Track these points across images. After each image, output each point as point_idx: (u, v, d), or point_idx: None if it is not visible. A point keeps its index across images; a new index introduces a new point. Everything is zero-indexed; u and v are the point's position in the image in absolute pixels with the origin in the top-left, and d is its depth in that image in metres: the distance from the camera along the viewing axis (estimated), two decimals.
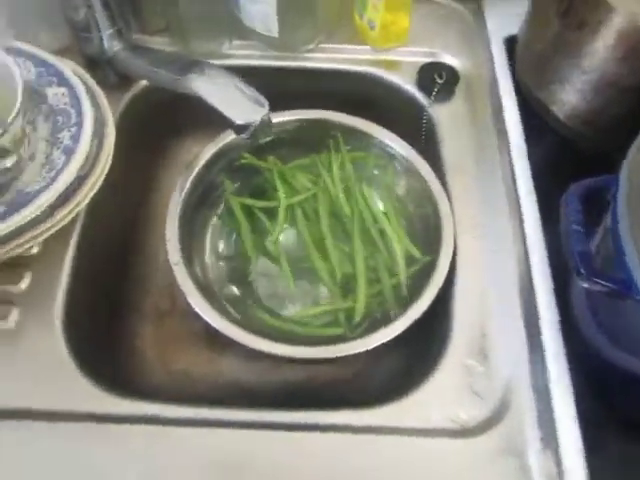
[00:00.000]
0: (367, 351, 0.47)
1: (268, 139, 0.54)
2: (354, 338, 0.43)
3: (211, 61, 0.54)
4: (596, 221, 0.39)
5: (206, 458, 0.39)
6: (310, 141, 0.55)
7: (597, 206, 0.38)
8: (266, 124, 0.39)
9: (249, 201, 0.51)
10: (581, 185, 0.36)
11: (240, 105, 0.39)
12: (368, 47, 0.58)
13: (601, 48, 0.44)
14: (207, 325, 0.44)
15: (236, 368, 0.54)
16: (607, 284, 0.32)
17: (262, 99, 0.40)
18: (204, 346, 0.55)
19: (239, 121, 0.39)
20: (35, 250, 0.47)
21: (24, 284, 0.46)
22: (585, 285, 0.32)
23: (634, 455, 0.38)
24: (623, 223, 0.32)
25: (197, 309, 0.44)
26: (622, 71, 0.44)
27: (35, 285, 0.46)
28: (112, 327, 0.53)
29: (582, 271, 0.32)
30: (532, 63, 0.53)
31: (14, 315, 0.44)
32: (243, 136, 0.39)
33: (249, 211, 0.52)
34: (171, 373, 0.54)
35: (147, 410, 0.40)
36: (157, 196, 0.60)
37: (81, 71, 0.51)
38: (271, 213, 0.52)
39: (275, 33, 0.54)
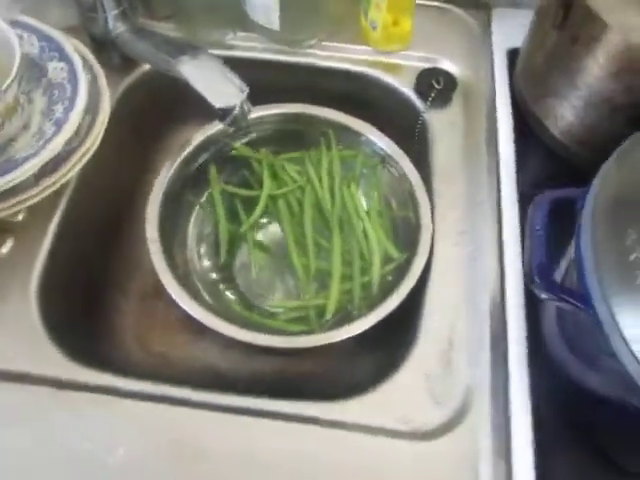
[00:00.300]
0: (337, 348, 0.47)
1: (262, 133, 0.56)
2: (319, 332, 0.43)
3: (213, 51, 0.55)
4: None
5: (161, 434, 0.39)
6: (303, 137, 0.55)
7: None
8: (244, 110, 0.40)
9: (230, 188, 0.52)
10: (546, 196, 0.35)
11: (221, 90, 0.40)
12: (370, 48, 0.59)
13: (594, 64, 0.43)
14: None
15: (212, 354, 0.54)
16: (562, 296, 0.31)
17: (244, 86, 0.40)
18: (183, 331, 0.56)
19: (218, 105, 0.39)
20: (20, 217, 0.48)
21: (5, 248, 0.47)
22: (541, 295, 0.32)
23: (586, 469, 0.37)
24: (585, 239, 0.32)
25: (167, 287, 0.44)
26: (615, 87, 0.43)
27: (16, 251, 0.47)
28: (91, 303, 0.54)
29: (537, 280, 0.32)
30: (530, 76, 0.52)
31: None
32: (225, 122, 0.40)
33: (233, 201, 0.53)
34: (149, 354, 0.55)
35: (110, 381, 0.41)
36: (150, 179, 0.61)
37: (84, 49, 0.53)
38: (254, 204, 0.52)
39: (276, 27, 0.54)
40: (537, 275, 0.32)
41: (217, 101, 0.39)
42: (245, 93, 0.40)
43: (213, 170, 0.51)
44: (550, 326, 0.41)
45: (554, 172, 0.52)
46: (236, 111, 0.39)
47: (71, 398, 0.40)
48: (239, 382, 0.52)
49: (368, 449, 0.39)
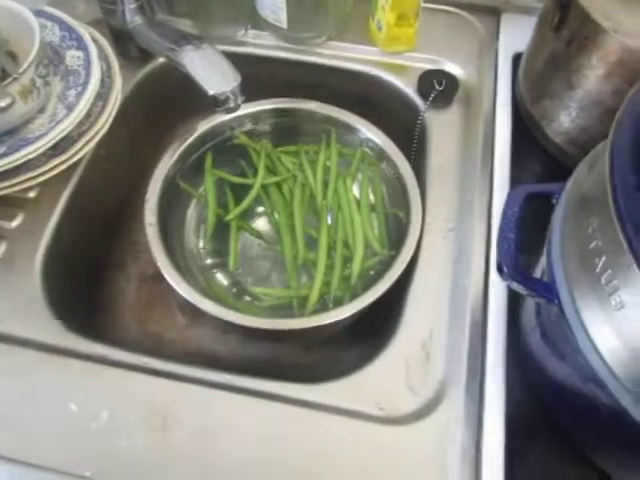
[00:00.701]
0: (323, 336, 0.48)
1: (265, 127, 0.58)
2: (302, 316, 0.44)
3: (224, 46, 0.58)
4: None
5: (143, 403, 0.41)
6: (303, 132, 0.57)
7: None
8: (236, 97, 0.42)
9: (224, 175, 0.54)
10: (522, 188, 0.36)
11: (216, 79, 0.42)
12: (376, 49, 0.60)
13: (587, 65, 0.43)
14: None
15: (206, 338, 0.56)
16: (526, 284, 0.32)
17: (237, 76, 0.42)
18: (180, 314, 0.58)
19: (211, 91, 0.41)
20: (32, 194, 0.51)
21: (15, 222, 0.50)
22: (505, 282, 0.32)
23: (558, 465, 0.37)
24: (555, 231, 0.32)
25: (162, 269, 0.46)
26: (606, 89, 0.43)
27: (25, 225, 0.50)
28: (93, 280, 0.57)
29: (504, 269, 0.32)
30: (530, 78, 0.53)
31: (1, 248, 0.48)
32: (218, 108, 0.42)
33: (229, 190, 0.55)
34: (144, 333, 0.57)
35: (102, 351, 0.43)
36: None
37: (103, 40, 0.56)
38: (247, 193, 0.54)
39: (284, 25, 0.56)
40: (505, 263, 0.32)
41: (210, 88, 0.41)
42: (237, 82, 0.42)
43: (209, 158, 0.53)
44: (529, 321, 0.41)
45: (550, 174, 0.52)
46: (228, 97, 0.41)
47: (63, 364, 0.43)
48: (230, 365, 0.54)
49: (340, 429, 0.40)
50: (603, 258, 0.28)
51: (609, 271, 0.28)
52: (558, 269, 0.31)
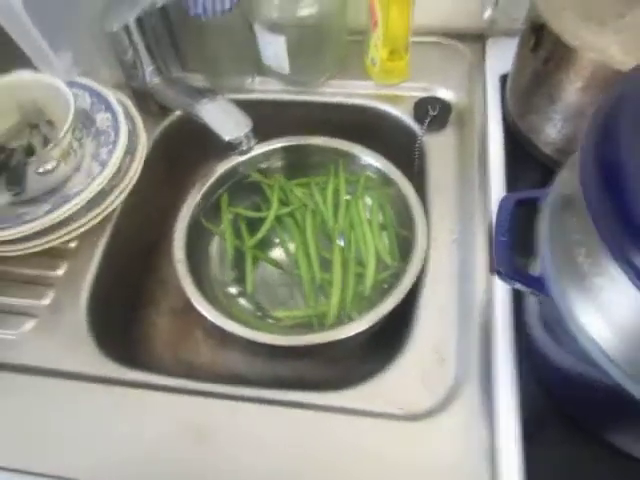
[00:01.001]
0: (343, 348, 0.51)
1: (277, 163, 0.63)
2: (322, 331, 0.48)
3: (234, 95, 0.64)
4: None
5: (179, 419, 0.45)
6: (312, 165, 0.62)
7: None
8: (250, 140, 0.47)
9: (240, 210, 0.59)
10: (512, 195, 0.39)
11: (230, 126, 0.47)
12: (373, 83, 0.65)
13: (565, 80, 0.47)
14: (207, 320, 0.51)
15: (233, 360, 0.60)
16: (522, 281, 0.35)
17: (249, 121, 0.48)
18: (208, 341, 0.62)
19: (227, 137, 0.47)
20: (73, 245, 0.57)
21: (60, 271, 0.55)
22: (503, 282, 0.36)
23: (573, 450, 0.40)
24: (543, 230, 0.36)
25: (192, 299, 0.51)
26: (584, 100, 0.47)
27: (69, 272, 0.55)
28: (131, 316, 0.62)
29: (501, 270, 0.35)
30: (516, 96, 0.57)
31: (50, 295, 0.54)
32: (234, 152, 0.48)
33: (246, 224, 0.60)
34: (177, 361, 0.61)
35: (139, 377, 0.48)
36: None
37: (126, 101, 0.62)
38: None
39: (287, 71, 0.62)
40: (501, 265, 0.36)
41: (226, 135, 0.47)
42: (249, 127, 0.47)
43: (225, 198, 0.59)
44: (532, 316, 0.44)
45: (544, 181, 0.55)
46: (242, 141, 0.46)
47: (108, 391, 0.47)
48: (257, 383, 0.58)
49: (365, 429, 0.43)
50: (584, 249, 0.31)
51: (589, 260, 0.31)
52: (548, 263, 0.34)
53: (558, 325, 0.38)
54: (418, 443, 0.42)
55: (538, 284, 0.35)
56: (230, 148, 0.48)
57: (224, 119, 0.48)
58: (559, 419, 0.41)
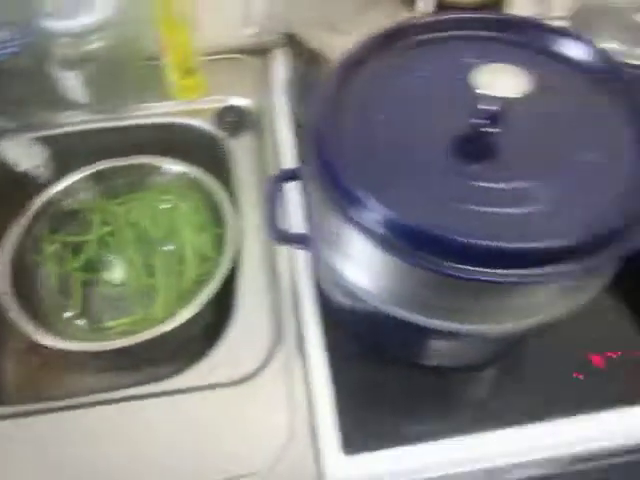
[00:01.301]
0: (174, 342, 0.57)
1: (97, 188, 0.67)
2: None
3: (43, 132, 0.66)
4: None
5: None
6: (130, 183, 0.67)
7: None
8: (44, 167, 0.51)
9: (60, 237, 0.62)
10: (275, 176, 0.48)
11: (27, 157, 0.51)
12: (175, 101, 0.72)
13: (320, 76, 0.58)
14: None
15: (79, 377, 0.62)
16: (289, 241, 0.44)
17: (44, 151, 0.52)
18: (58, 370, 0.63)
19: (23, 167, 0.51)
20: None
21: None
22: (274, 240, 0.45)
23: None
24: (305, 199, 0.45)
25: (29, 332, 0.53)
26: None
27: None
28: None
29: (269, 233, 0.44)
30: (296, 95, 0.67)
31: None
32: (34, 179, 0.51)
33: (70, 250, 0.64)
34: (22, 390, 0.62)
35: None
36: None
37: None
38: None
39: (86, 101, 0.66)
40: (270, 232, 0.44)
41: (23, 165, 0.51)
42: (43, 155, 0.52)
43: (45, 229, 0.62)
44: (319, 273, 0.53)
45: None
46: (38, 169, 0.51)
47: None
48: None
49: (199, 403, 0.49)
50: (329, 212, 0.40)
51: (332, 221, 0.40)
52: (309, 226, 0.43)
53: (332, 275, 0.48)
54: (247, 403, 0.48)
55: (303, 240, 0.44)
56: (32, 180, 0.52)
57: (21, 153, 0.51)
58: (358, 349, 0.51)
